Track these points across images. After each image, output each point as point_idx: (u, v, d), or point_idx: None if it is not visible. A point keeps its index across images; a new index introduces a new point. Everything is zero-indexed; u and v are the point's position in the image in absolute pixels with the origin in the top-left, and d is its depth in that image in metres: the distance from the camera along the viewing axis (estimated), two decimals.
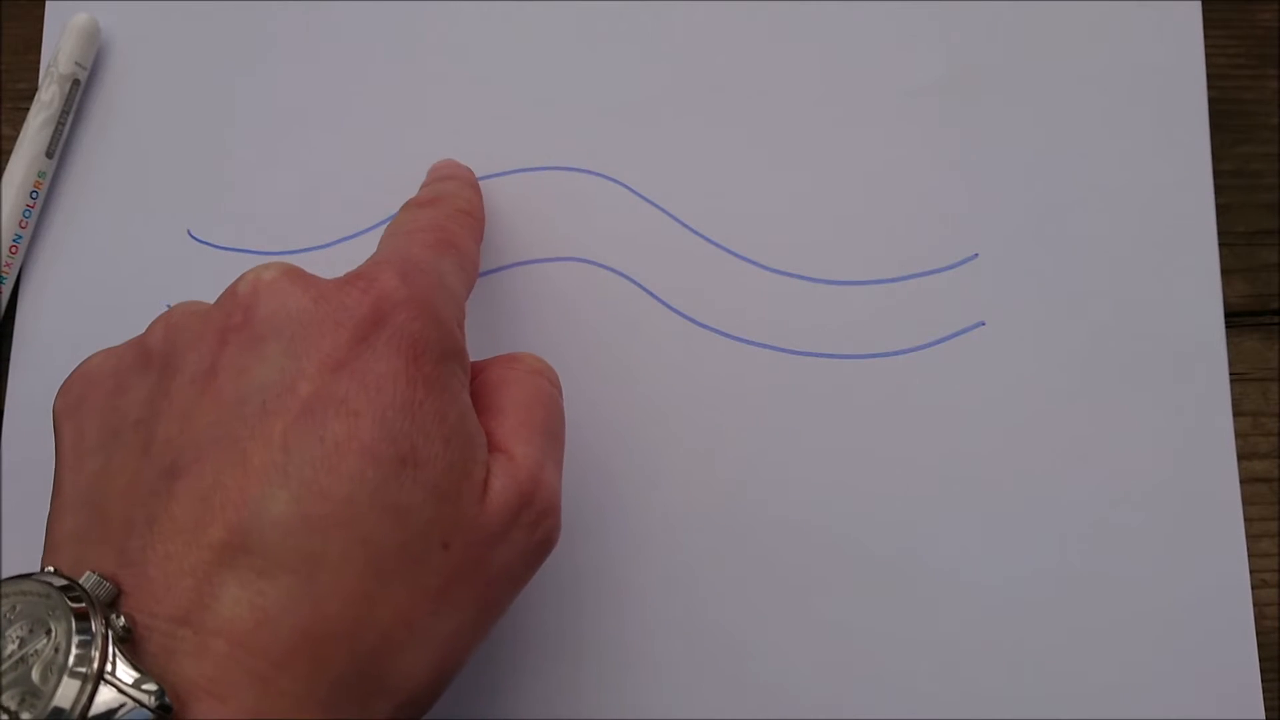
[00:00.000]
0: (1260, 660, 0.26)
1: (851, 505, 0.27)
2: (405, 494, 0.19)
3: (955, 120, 0.29)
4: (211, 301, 0.22)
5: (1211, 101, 0.29)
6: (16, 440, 0.30)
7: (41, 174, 0.30)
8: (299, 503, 0.18)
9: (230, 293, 0.21)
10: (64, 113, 0.30)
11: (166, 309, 0.22)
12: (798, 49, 0.30)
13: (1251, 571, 0.27)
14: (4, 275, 0.30)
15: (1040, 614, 0.27)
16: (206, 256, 0.30)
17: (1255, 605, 0.26)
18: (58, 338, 0.30)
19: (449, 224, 0.25)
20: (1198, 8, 0.29)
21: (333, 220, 0.30)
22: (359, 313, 0.20)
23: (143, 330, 0.22)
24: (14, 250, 0.30)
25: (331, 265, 0.30)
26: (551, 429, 0.23)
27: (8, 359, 0.30)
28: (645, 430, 0.28)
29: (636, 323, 0.29)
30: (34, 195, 0.30)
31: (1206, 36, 0.29)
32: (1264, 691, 0.26)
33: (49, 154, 0.30)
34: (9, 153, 0.30)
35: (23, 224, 0.30)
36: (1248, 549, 0.27)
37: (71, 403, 0.22)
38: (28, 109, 0.30)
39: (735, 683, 0.27)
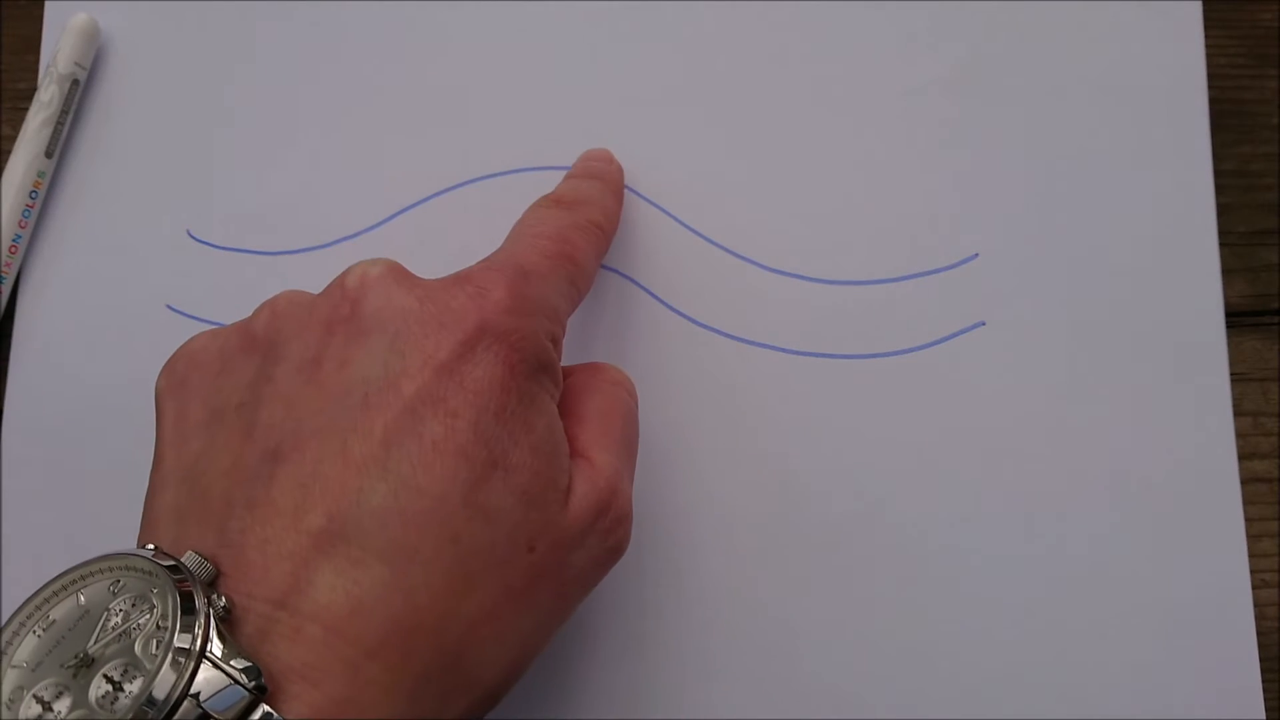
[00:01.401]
0: (1260, 660, 0.26)
1: (852, 505, 0.27)
2: (495, 496, 0.19)
3: (955, 120, 0.29)
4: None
5: (1211, 101, 0.29)
6: (16, 440, 0.30)
7: (41, 174, 0.30)
8: (396, 497, 0.19)
9: (338, 284, 0.21)
10: (64, 113, 0.30)
11: (271, 298, 0.22)
12: (798, 49, 0.30)
13: (1251, 571, 0.27)
14: (4, 275, 0.30)
15: (1040, 613, 0.27)
16: (206, 256, 0.30)
17: (1255, 605, 0.26)
18: (58, 338, 0.30)
19: (575, 235, 0.25)
20: (1198, 8, 0.29)
21: (333, 220, 0.30)
22: (466, 320, 0.20)
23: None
24: (14, 250, 0.30)
25: (331, 265, 0.30)
26: (629, 439, 0.24)
27: (8, 359, 0.30)
28: (645, 430, 0.28)
29: (636, 323, 0.29)
30: (34, 195, 0.30)
31: (1206, 36, 0.29)
32: (1264, 691, 0.26)
33: (49, 154, 0.30)
34: (9, 153, 0.30)
35: (23, 224, 0.30)
36: (1248, 549, 0.27)
37: (175, 381, 0.22)
38: (27, 109, 0.30)
39: (737, 680, 0.27)
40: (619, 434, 0.23)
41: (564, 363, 0.25)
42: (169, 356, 0.23)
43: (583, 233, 0.25)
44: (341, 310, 0.21)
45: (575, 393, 0.24)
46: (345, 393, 0.20)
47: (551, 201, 0.26)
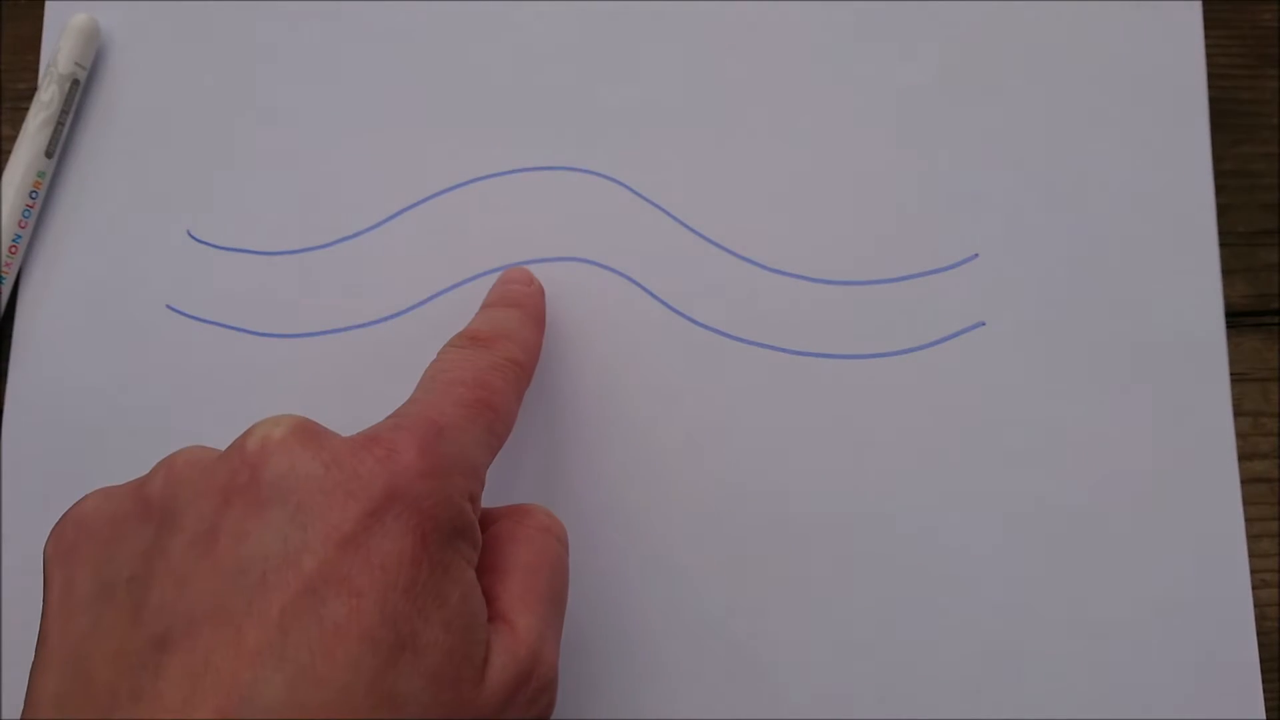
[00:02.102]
0: (1260, 660, 0.26)
1: (852, 504, 0.27)
2: (403, 682, 0.18)
3: (955, 120, 0.29)
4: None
5: (1211, 101, 0.29)
6: (16, 440, 0.30)
7: (41, 174, 0.30)
8: (293, 689, 0.17)
9: (238, 447, 0.20)
10: (64, 113, 0.30)
11: (169, 456, 0.21)
12: (798, 48, 0.30)
13: (1251, 571, 0.27)
14: (4, 275, 0.30)
15: (1040, 613, 0.27)
16: (206, 256, 0.30)
17: (1255, 605, 0.26)
18: (58, 338, 0.30)
19: (493, 378, 0.23)
20: (1198, 8, 0.29)
21: (333, 220, 0.30)
22: (373, 487, 0.19)
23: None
24: (14, 250, 0.30)
25: (331, 265, 0.30)
26: (555, 595, 0.22)
27: (8, 359, 0.30)
28: (645, 430, 0.28)
29: (636, 323, 0.29)
30: (34, 195, 0.30)
31: (1206, 36, 0.29)
32: (1264, 691, 0.26)
33: (49, 154, 0.30)
34: (9, 153, 0.30)
35: (23, 224, 0.30)
36: (1248, 549, 0.27)
37: (63, 549, 0.21)
38: (28, 109, 0.30)
39: (738, 680, 0.27)
40: (544, 590, 0.22)
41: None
42: (59, 516, 0.21)
43: (500, 373, 0.24)
44: (240, 477, 0.19)
45: (498, 543, 0.22)
46: (242, 571, 0.18)
47: (467, 339, 0.25)
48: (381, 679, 0.18)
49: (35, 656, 0.20)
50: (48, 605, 0.20)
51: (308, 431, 0.20)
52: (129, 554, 0.20)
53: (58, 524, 0.21)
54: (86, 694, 0.18)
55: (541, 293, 0.28)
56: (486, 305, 0.27)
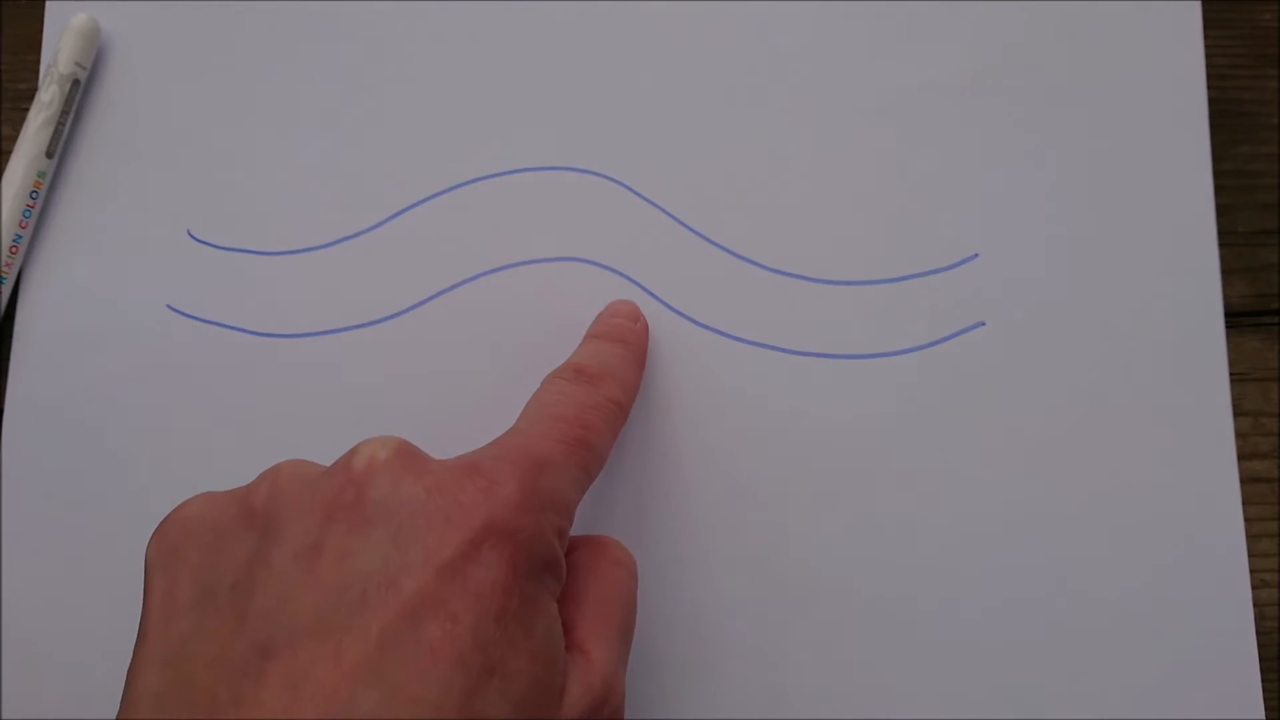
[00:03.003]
0: (1260, 660, 0.26)
1: (851, 504, 0.27)
2: (490, 707, 0.19)
3: (955, 120, 0.29)
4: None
5: (1211, 101, 0.29)
6: (16, 440, 0.30)
7: (41, 174, 0.30)
8: (388, 706, 0.18)
9: (344, 465, 0.21)
10: (64, 113, 0.30)
11: (273, 467, 0.21)
12: (797, 49, 0.30)
13: (1251, 571, 0.27)
14: (4, 275, 0.30)
15: (1040, 613, 0.27)
16: (206, 256, 0.30)
17: (1255, 605, 0.26)
18: (58, 338, 0.30)
19: (593, 418, 0.24)
20: (1198, 8, 0.29)
21: (333, 220, 0.30)
22: (473, 517, 0.20)
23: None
24: (14, 250, 0.30)
25: (331, 265, 0.30)
26: (626, 627, 0.23)
27: (8, 359, 0.30)
28: (645, 430, 0.28)
29: None
30: (34, 195, 0.30)
31: (1206, 36, 0.29)
32: (1264, 691, 0.26)
33: (49, 154, 0.30)
34: (9, 153, 0.30)
35: (23, 224, 0.30)
36: (1248, 549, 0.27)
37: (166, 551, 0.21)
38: (28, 109, 0.30)
39: (739, 678, 0.27)
40: (617, 623, 0.23)
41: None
42: (161, 519, 0.22)
43: (601, 414, 0.24)
44: (346, 495, 0.20)
45: (576, 573, 0.23)
46: (343, 587, 0.19)
47: (573, 373, 0.25)
48: (471, 702, 0.18)
49: (134, 656, 0.20)
50: (149, 606, 0.21)
51: (411, 455, 0.21)
52: (232, 561, 0.20)
53: (161, 525, 0.22)
54: (187, 695, 0.19)
55: (646, 329, 0.28)
56: (592, 336, 0.27)
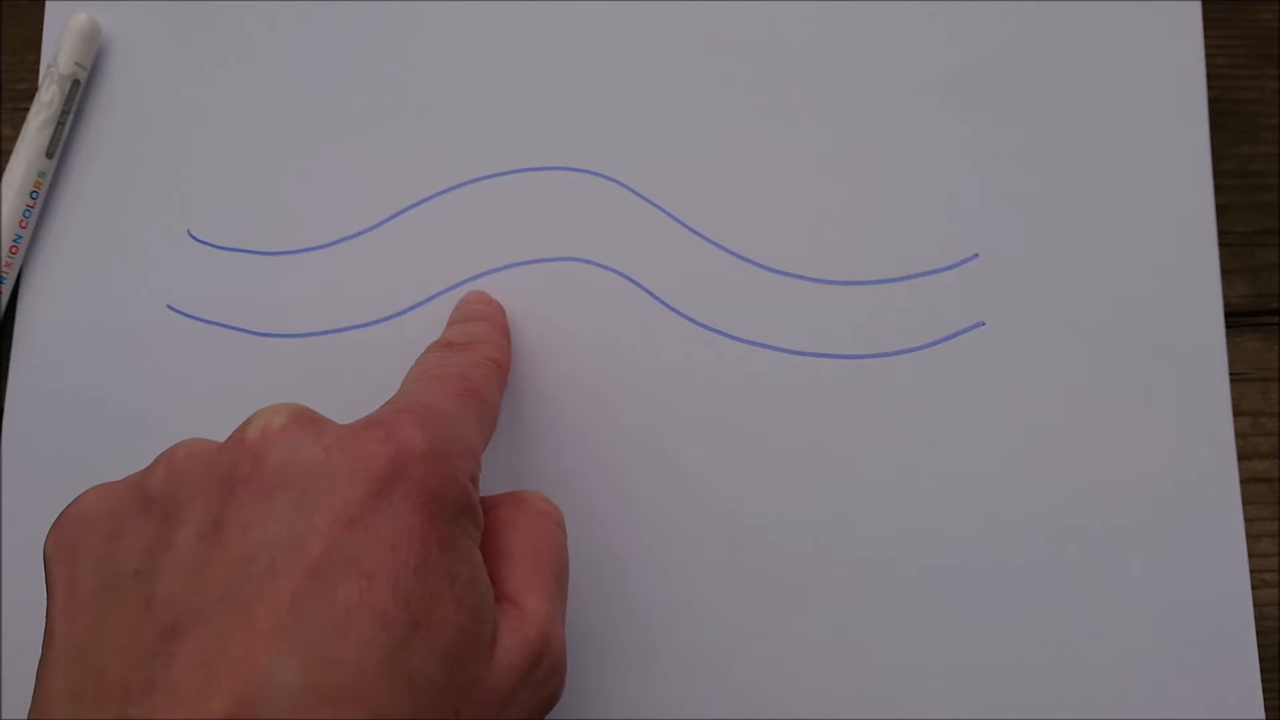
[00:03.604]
0: (1260, 660, 0.26)
1: (851, 504, 0.27)
2: (417, 661, 0.18)
3: (955, 120, 0.29)
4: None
5: (1211, 101, 0.29)
6: (17, 440, 0.30)
7: (41, 174, 0.30)
8: (308, 671, 0.17)
9: (238, 438, 0.20)
10: (64, 113, 0.30)
11: (169, 448, 0.21)
12: (797, 48, 0.30)
13: (1251, 571, 0.27)
14: (4, 275, 0.30)
15: (1039, 614, 0.27)
16: (206, 256, 0.30)
17: (1255, 605, 0.26)
18: (58, 338, 0.30)
19: (474, 372, 0.24)
20: (1198, 8, 0.29)
21: (333, 220, 0.30)
22: (376, 465, 0.19)
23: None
24: (14, 250, 0.30)
25: (331, 265, 0.30)
26: (559, 578, 0.23)
27: (8, 359, 0.30)
28: (645, 430, 0.28)
29: (636, 323, 0.29)
30: (34, 195, 0.30)
31: (1206, 36, 0.29)
32: (1264, 691, 0.26)
33: (49, 154, 0.30)
34: (9, 153, 0.30)
35: (23, 224, 0.30)
36: (1248, 549, 0.27)
37: (64, 545, 0.21)
38: (28, 109, 0.30)
39: (734, 681, 0.27)
40: (549, 573, 0.22)
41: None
42: (58, 515, 0.21)
43: (481, 369, 0.24)
44: (242, 467, 0.19)
45: (499, 529, 0.22)
46: (250, 559, 0.18)
47: (443, 345, 0.25)
48: (395, 658, 0.18)
49: (42, 655, 0.20)
50: (52, 603, 0.20)
51: (307, 418, 0.20)
52: (132, 549, 0.20)
53: (57, 521, 0.21)
54: (98, 689, 0.18)
55: (502, 310, 0.28)
56: (452, 322, 0.28)
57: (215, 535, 0.19)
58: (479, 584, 0.20)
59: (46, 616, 0.20)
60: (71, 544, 0.21)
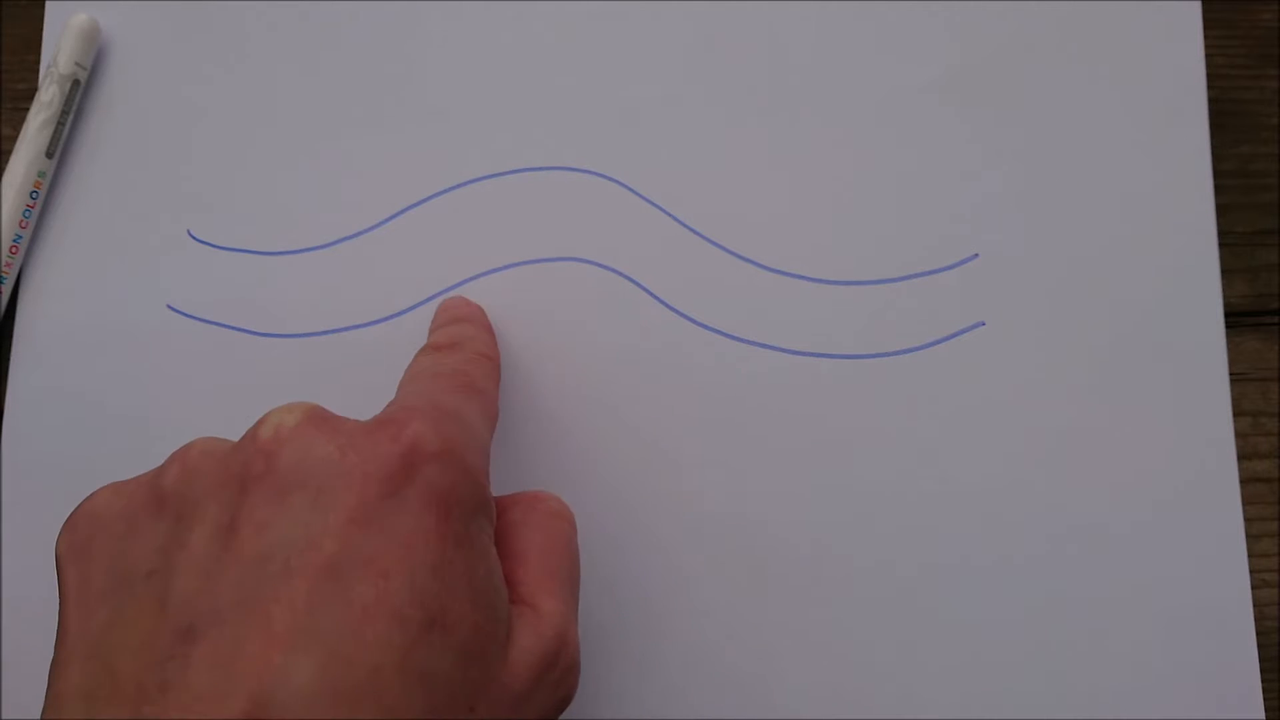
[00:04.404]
0: (1260, 660, 0.26)
1: (851, 504, 0.27)
2: (433, 659, 0.18)
3: (955, 120, 0.29)
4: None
5: (1211, 101, 0.29)
6: (16, 440, 0.30)
7: (41, 174, 0.30)
8: (324, 671, 0.17)
9: (251, 437, 0.20)
10: (64, 113, 0.30)
11: (183, 447, 0.21)
12: (798, 49, 0.30)
13: (1251, 571, 0.27)
14: (4, 275, 0.30)
15: (1040, 614, 0.27)
16: (206, 256, 0.30)
17: (1255, 605, 0.26)
18: (58, 338, 0.30)
19: (470, 368, 0.24)
20: (1198, 8, 0.29)
21: (333, 220, 0.30)
22: (389, 463, 0.19)
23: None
24: (14, 250, 0.30)
25: (331, 265, 0.30)
26: (573, 578, 0.23)
27: (8, 359, 0.30)
28: (645, 430, 0.28)
29: (636, 323, 0.29)
30: (34, 195, 0.30)
31: (1206, 36, 0.29)
32: (1264, 691, 0.26)
33: (49, 154, 0.30)
34: (9, 153, 0.30)
35: (23, 224, 0.30)
36: (1248, 549, 0.27)
37: (77, 544, 0.21)
38: (28, 109, 0.30)
39: (733, 680, 0.27)
40: (563, 573, 0.22)
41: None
42: (69, 515, 0.21)
43: (476, 365, 0.25)
44: (256, 466, 0.19)
45: (512, 529, 0.22)
46: (265, 559, 0.18)
47: (431, 349, 0.26)
48: (412, 657, 0.18)
49: (55, 653, 0.19)
50: (64, 602, 0.20)
51: (320, 417, 0.20)
52: (146, 548, 0.20)
53: (69, 520, 0.21)
54: (113, 688, 0.18)
55: (482, 310, 0.29)
56: (436, 327, 0.28)
57: (230, 535, 0.19)
58: (494, 581, 0.20)
59: (59, 615, 0.20)
60: (84, 542, 0.20)
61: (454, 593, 0.19)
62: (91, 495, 0.21)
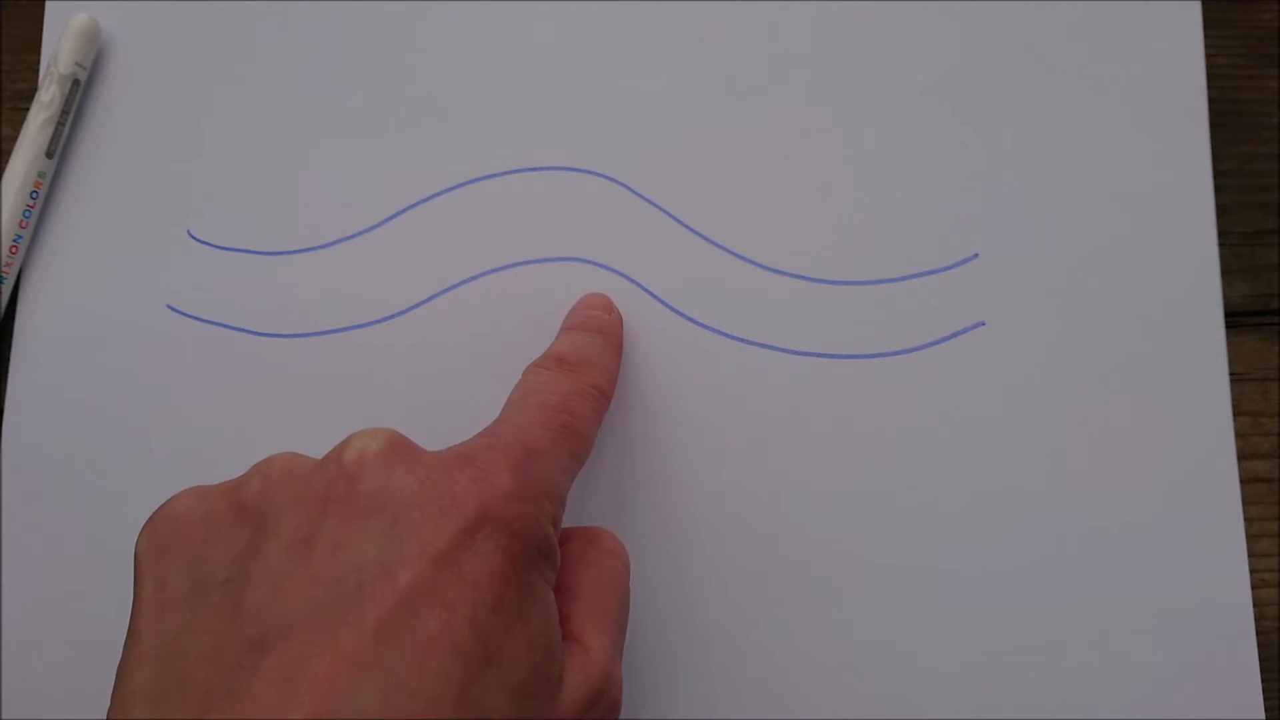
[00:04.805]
0: (1260, 660, 0.26)
1: (851, 504, 0.27)
2: (489, 696, 0.19)
3: (955, 120, 0.29)
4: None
5: (1211, 101, 0.29)
6: (17, 440, 0.30)
7: (41, 174, 0.30)
8: (386, 698, 0.18)
9: (335, 458, 0.20)
10: (64, 113, 0.30)
11: (265, 460, 0.21)
12: (798, 49, 0.30)
13: (1251, 571, 0.27)
14: (4, 275, 0.30)
15: (1040, 614, 0.27)
16: (206, 256, 0.30)
17: (1255, 605, 0.26)
18: (58, 338, 0.30)
19: (578, 404, 0.24)
20: (1198, 8, 0.29)
21: (333, 220, 0.30)
22: (467, 506, 0.20)
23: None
24: (14, 250, 0.30)
25: (331, 265, 0.30)
26: (621, 618, 0.23)
27: (8, 359, 0.30)
28: (645, 430, 0.28)
29: (636, 323, 0.29)
30: (34, 195, 0.30)
31: (1206, 36, 0.29)
32: (1264, 691, 0.26)
33: (49, 154, 0.30)
34: (9, 153, 0.30)
35: (23, 224, 0.30)
36: (1248, 549, 0.27)
37: (156, 546, 0.21)
38: (28, 109, 0.30)
39: (733, 680, 0.27)
40: (613, 613, 0.23)
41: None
42: (150, 513, 0.22)
43: (585, 400, 0.25)
44: (338, 488, 0.20)
45: (569, 564, 0.23)
46: (338, 580, 0.19)
47: (554, 362, 0.26)
48: (469, 692, 0.18)
49: (125, 652, 0.20)
50: (140, 602, 0.20)
51: (403, 446, 0.21)
52: (223, 555, 0.20)
53: (150, 521, 0.22)
54: (181, 691, 0.18)
55: (620, 321, 0.28)
56: (568, 328, 0.27)
57: (306, 552, 0.19)
58: (550, 625, 0.20)
59: (133, 614, 0.20)
60: (163, 544, 0.21)
61: (512, 633, 0.19)
62: (173, 498, 0.22)
